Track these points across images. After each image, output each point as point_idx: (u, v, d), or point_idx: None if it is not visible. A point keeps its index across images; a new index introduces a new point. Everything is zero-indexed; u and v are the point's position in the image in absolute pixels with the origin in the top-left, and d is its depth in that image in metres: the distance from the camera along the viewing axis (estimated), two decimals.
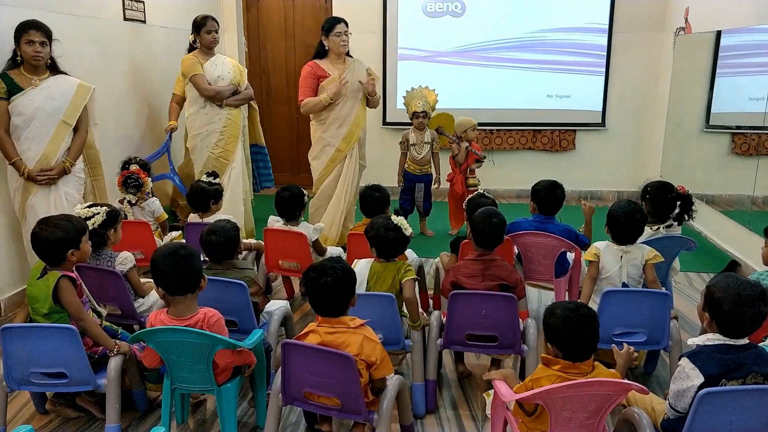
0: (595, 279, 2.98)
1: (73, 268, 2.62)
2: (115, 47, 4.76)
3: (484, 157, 5.20)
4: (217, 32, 4.57)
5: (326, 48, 4.63)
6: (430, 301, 3.81)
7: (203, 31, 4.50)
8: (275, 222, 3.76)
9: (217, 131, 4.56)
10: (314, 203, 4.82)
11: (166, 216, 4.14)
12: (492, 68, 6.77)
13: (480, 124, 5.34)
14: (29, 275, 2.63)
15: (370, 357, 2.18)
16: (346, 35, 4.59)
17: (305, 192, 3.73)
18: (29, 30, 3.43)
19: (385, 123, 6.81)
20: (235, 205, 4.59)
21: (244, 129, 4.88)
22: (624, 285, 2.93)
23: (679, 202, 3.35)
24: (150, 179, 3.98)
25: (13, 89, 3.46)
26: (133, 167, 3.94)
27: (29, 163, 3.52)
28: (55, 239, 2.49)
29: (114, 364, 2.51)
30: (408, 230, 2.88)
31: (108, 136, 4.53)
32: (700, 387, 1.91)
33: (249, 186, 5.12)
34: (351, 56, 4.76)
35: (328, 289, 2.18)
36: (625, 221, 2.90)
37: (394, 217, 2.88)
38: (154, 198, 4.08)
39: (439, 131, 5.30)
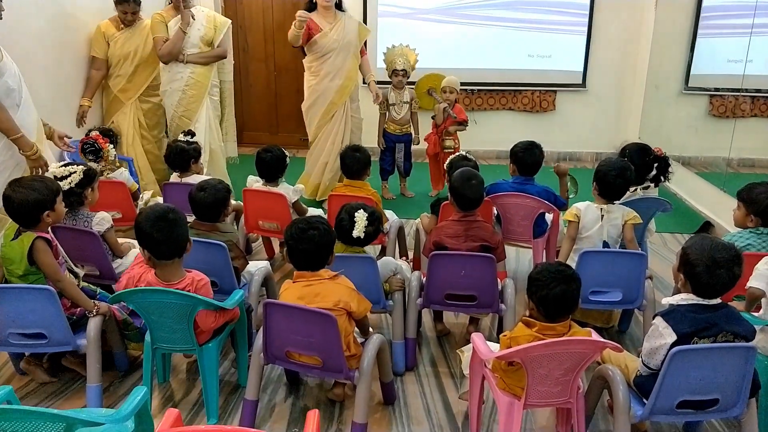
0: (574, 239, 3.02)
1: (48, 229, 2.58)
2: None
3: (465, 122, 5.14)
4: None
5: (314, 1, 4.65)
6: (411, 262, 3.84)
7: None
8: (254, 182, 3.72)
9: (179, 90, 4.44)
10: (309, 155, 4.95)
11: (137, 186, 4.01)
12: (473, 26, 6.68)
13: (461, 84, 5.27)
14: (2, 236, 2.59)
15: (349, 304, 2.24)
16: None
17: (287, 153, 3.69)
18: None
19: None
20: None
21: (216, 87, 4.69)
22: (604, 244, 2.98)
23: (656, 164, 3.39)
24: (112, 147, 3.71)
25: None
26: (93, 133, 3.71)
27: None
28: (29, 201, 2.44)
29: (93, 324, 2.50)
30: (356, 230, 2.63)
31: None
32: (673, 345, 1.97)
33: (223, 147, 4.91)
34: (343, 10, 4.75)
35: (313, 241, 2.22)
36: (614, 176, 2.93)
37: (359, 213, 2.64)
38: (123, 169, 3.91)
39: (430, 93, 5.23)
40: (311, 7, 4.68)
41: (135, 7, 4.38)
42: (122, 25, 4.44)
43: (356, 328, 2.41)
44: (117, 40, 4.43)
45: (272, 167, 3.60)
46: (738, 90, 4.78)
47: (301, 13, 4.50)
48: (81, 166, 2.90)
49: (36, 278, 2.51)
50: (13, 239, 2.49)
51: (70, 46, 4.34)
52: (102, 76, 4.51)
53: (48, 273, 2.50)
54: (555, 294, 1.99)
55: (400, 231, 3.71)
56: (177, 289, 2.30)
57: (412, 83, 5.32)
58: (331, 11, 4.67)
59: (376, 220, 2.69)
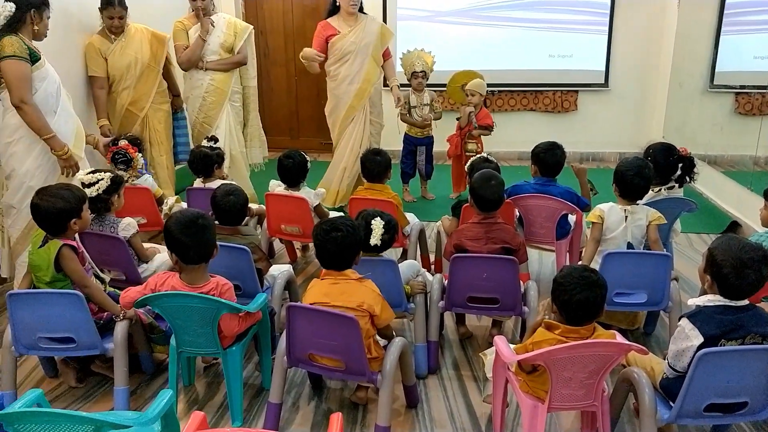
0: (598, 241, 2.99)
1: (75, 236, 2.63)
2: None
3: (491, 126, 5.09)
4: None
5: (338, 5, 4.63)
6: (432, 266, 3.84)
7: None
8: (276, 186, 3.76)
9: (199, 97, 4.50)
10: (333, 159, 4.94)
11: (161, 192, 4.07)
12: (493, 28, 6.66)
13: None
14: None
15: (373, 307, 2.26)
16: None
17: (308, 158, 3.71)
18: None
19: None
20: None
21: (237, 93, 4.71)
22: (629, 245, 2.94)
23: (681, 164, 3.34)
24: (140, 155, 3.76)
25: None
26: (122, 142, 3.72)
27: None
28: (56, 209, 2.49)
29: (120, 328, 2.54)
30: (373, 238, 2.59)
31: None
32: (699, 347, 1.94)
33: (245, 153, 4.92)
34: (365, 13, 4.75)
35: (337, 242, 2.25)
36: (633, 175, 2.89)
37: (375, 221, 2.60)
38: (147, 175, 3.94)
39: (464, 89, 5.16)
40: (334, 10, 4.67)
41: (121, 11, 4.11)
42: (113, 36, 4.19)
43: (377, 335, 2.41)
44: (114, 52, 4.18)
45: (294, 173, 3.62)
46: (765, 87, 4.69)
47: (310, 56, 4.55)
48: (108, 173, 2.95)
49: (63, 284, 2.55)
50: (40, 246, 2.54)
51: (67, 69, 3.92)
52: (107, 94, 4.28)
53: (75, 279, 2.55)
54: (578, 300, 1.97)
55: (421, 234, 3.71)
56: (201, 293, 2.33)
57: (433, 86, 5.32)
58: (353, 16, 4.65)
59: (392, 228, 2.68)
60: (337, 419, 1.65)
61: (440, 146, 5.40)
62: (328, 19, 4.69)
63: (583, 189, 3.49)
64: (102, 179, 2.90)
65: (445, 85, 5.55)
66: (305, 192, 3.67)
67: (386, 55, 4.88)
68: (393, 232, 2.69)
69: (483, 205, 2.86)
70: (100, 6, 4.12)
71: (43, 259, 2.53)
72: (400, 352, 2.35)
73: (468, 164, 3.64)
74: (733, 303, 1.98)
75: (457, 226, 3.15)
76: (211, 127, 4.54)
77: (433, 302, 2.86)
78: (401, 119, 5.23)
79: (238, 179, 4.53)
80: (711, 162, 5.38)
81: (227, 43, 4.51)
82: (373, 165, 3.62)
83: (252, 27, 4.74)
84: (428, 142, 5.28)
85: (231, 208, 2.84)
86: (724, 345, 1.94)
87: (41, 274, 2.55)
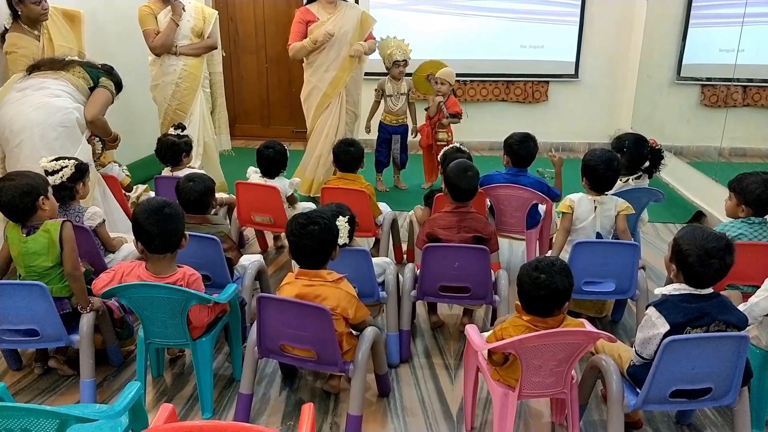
0: (568, 230, 3.02)
1: None
2: None
3: (459, 114, 5.12)
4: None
5: None
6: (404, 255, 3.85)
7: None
8: (253, 173, 3.71)
9: (172, 83, 4.38)
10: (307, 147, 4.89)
11: (129, 179, 3.99)
12: (465, 18, 6.66)
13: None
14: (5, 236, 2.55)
15: (347, 310, 2.23)
16: None
17: (287, 149, 3.68)
18: None
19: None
20: (193, 161, 4.41)
21: (207, 79, 4.64)
22: (597, 235, 2.98)
23: (650, 156, 3.39)
24: (98, 140, 3.62)
25: None
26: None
27: None
28: (24, 186, 2.42)
29: (86, 320, 2.49)
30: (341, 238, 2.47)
31: None
32: (666, 335, 1.97)
33: (216, 140, 4.84)
34: (345, 0, 4.70)
35: (314, 237, 2.20)
36: (604, 169, 2.93)
37: (339, 220, 2.50)
38: (113, 164, 3.87)
39: (429, 79, 5.15)
40: None
41: None
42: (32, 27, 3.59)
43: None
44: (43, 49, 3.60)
45: (273, 163, 3.59)
46: (730, 80, 4.79)
47: (321, 37, 4.47)
48: (72, 161, 2.87)
49: (61, 270, 2.49)
50: (28, 234, 2.45)
51: None
52: None
53: (73, 259, 2.48)
54: (536, 297, 2.00)
55: (394, 223, 3.71)
56: (168, 283, 2.29)
57: (409, 74, 5.30)
58: (333, 2, 4.61)
59: (353, 219, 2.62)
60: (308, 409, 1.64)
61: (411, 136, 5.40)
62: (308, 6, 4.64)
63: (557, 179, 3.52)
64: (66, 166, 2.81)
65: (411, 74, 5.51)
66: (279, 181, 3.63)
67: (369, 38, 4.81)
68: (354, 225, 2.65)
69: (458, 195, 2.86)
70: None
71: (41, 244, 2.45)
72: (372, 342, 2.34)
73: (441, 154, 3.65)
74: (698, 291, 2.02)
75: (430, 216, 3.15)
76: (185, 114, 4.42)
77: (405, 291, 2.86)
78: (372, 105, 5.23)
79: (210, 167, 4.49)
80: (677, 153, 5.48)
81: (197, 27, 4.42)
82: (347, 156, 3.60)
83: (217, 12, 4.67)
84: (403, 130, 5.26)
85: (190, 194, 2.78)
86: (689, 333, 1.98)
87: (39, 261, 2.46)
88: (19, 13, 3.53)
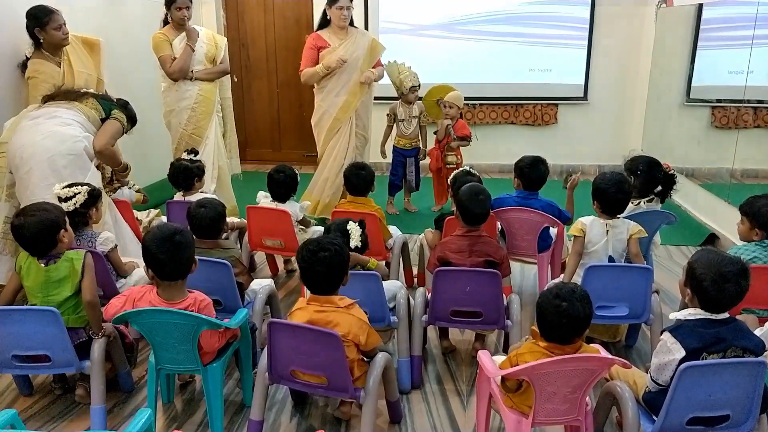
0: (580, 254, 3.00)
1: None
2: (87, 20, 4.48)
3: (468, 137, 5.14)
4: (188, 8, 4.29)
5: (328, 18, 4.66)
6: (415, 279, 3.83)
7: (173, 7, 4.26)
8: (263, 197, 3.73)
9: (188, 108, 4.42)
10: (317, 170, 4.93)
11: (142, 194, 4.02)
12: (474, 42, 6.71)
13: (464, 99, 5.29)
14: (16, 268, 2.57)
15: (359, 337, 2.21)
16: (348, 10, 4.62)
17: (297, 173, 3.71)
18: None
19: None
20: (207, 185, 4.46)
21: (219, 104, 4.68)
22: (610, 259, 2.96)
23: (663, 180, 3.38)
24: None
25: None
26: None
27: None
28: (47, 222, 2.44)
29: (98, 345, 2.49)
30: (353, 240, 2.68)
31: None
32: (682, 361, 1.94)
33: (228, 163, 4.90)
34: (355, 26, 4.79)
35: (325, 263, 2.19)
36: (614, 192, 2.91)
37: (351, 225, 2.69)
38: (123, 188, 3.89)
39: (439, 103, 5.20)
40: (324, 23, 4.71)
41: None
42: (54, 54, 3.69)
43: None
44: (64, 75, 3.69)
45: (284, 187, 3.62)
46: (740, 101, 4.78)
47: (334, 64, 4.54)
48: (85, 187, 2.90)
49: (78, 299, 2.51)
50: (47, 264, 2.47)
51: None
52: None
53: (93, 287, 2.51)
54: (557, 326, 1.98)
55: (404, 247, 3.70)
56: (179, 308, 2.29)
57: (419, 98, 5.35)
58: (344, 29, 4.68)
59: (364, 227, 2.71)
60: None
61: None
62: (319, 32, 4.71)
63: (569, 202, 3.51)
64: (79, 193, 2.85)
65: (422, 99, 5.56)
66: (290, 205, 3.65)
67: (377, 65, 4.87)
68: (365, 233, 2.72)
69: (470, 218, 2.86)
70: (37, 24, 3.56)
71: (62, 272, 2.47)
72: (383, 368, 2.32)
73: (451, 177, 3.65)
74: (713, 316, 1.99)
75: (440, 239, 3.14)
76: (200, 138, 4.45)
77: (416, 316, 2.84)
78: (386, 130, 5.27)
79: (223, 190, 4.54)
80: (689, 175, 5.46)
81: (210, 53, 4.50)
82: (358, 179, 3.61)
83: (226, 39, 4.75)
84: (417, 153, 5.32)
85: (202, 220, 2.80)
86: (705, 358, 1.95)
87: (59, 290, 2.48)
88: (41, 40, 3.61)
